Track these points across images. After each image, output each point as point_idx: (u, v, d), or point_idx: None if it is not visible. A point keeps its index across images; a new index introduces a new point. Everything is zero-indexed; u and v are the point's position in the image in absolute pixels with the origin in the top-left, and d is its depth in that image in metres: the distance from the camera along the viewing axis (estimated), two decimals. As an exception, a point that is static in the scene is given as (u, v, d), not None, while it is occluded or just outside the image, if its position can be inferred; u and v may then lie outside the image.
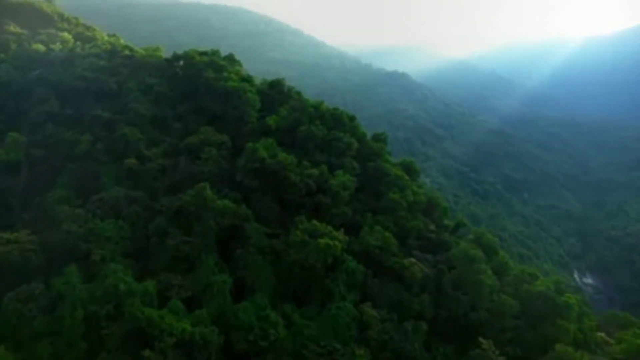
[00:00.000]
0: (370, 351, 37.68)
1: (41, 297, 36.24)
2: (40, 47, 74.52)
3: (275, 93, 69.71)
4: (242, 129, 60.33)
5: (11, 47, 73.70)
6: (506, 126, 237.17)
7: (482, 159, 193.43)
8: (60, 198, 46.39)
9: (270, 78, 76.13)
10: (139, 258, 42.85)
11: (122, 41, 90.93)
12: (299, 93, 71.19)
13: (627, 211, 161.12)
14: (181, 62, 73.08)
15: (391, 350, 38.52)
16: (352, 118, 68.28)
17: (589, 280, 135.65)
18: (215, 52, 76.03)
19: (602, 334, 47.45)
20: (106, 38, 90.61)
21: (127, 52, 77.37)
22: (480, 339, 39.42)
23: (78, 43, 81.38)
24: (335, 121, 65.27)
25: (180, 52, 74.12)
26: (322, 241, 42.42)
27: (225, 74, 68.12)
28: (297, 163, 52.82)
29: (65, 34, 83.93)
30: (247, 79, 71.11)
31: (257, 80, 75.12)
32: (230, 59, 77.46)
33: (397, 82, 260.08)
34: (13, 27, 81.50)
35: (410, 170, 63.44)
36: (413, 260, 46.34)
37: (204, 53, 74.17)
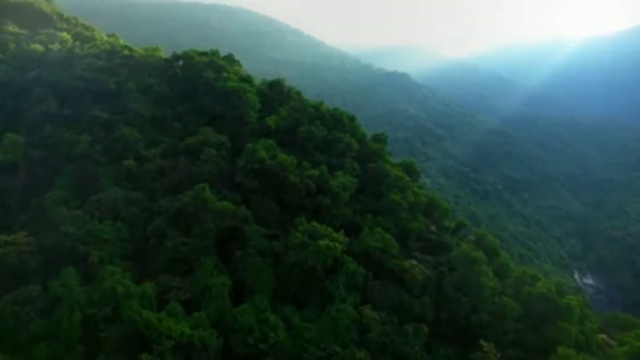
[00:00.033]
0: (370, 354, 37.36)
1: (38, 300, 36.06)
2: (39, 47, 74.05)
3: (275, 93, 69.40)
4: (242, 129, 60.01)
5: (10, 47, 73.22)
6: (506, 126, 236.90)
7: (482, 159, 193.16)
8: (58, 199, 46.04)
9: (270, 78, 75.79)
10: (137, 260, 42.56)
11: (121, 41, 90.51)
12: (299, 93, 70.85)
13: (627, 211, 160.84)
14: (181, 62, 72.76)
15: (392, 353, 38.24)
16: (352, 118, 67.97)
17: (589, 280, 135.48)
18: (214, 52, 75.73)
19: (604, 336, 47.17)
20: (105, 38, 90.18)
21: (126, 52, 76.95)
22: (482, 342, 39.18)
23: (77, 43, 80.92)
24: (336, 122, 64.98)
25: (179, 52, 73.79)
26: (322, 243, 42.10)
27: (224, 74, 67.80)
28: (297, 164, 52.53)
29: (64, 34, 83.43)
30: (247, 79, 70.76)
31: (257, 81, 74.78)
32: (230, 59, 77.16)
33: (397, 82, 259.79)
34: (12, 27, 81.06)
35: (410, 171, 63.13)
36: (414, 262, 46.02)
37: (204, 53, 73.85)
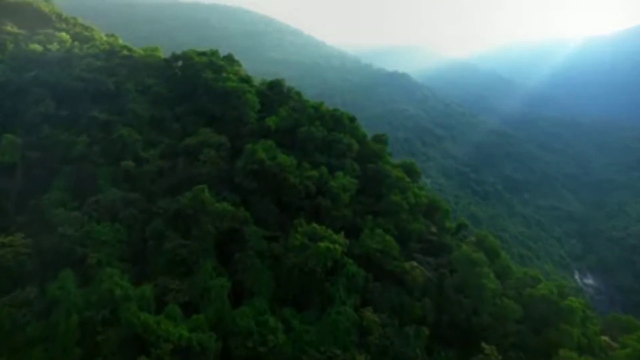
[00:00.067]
0: (370, 357, 37.06)
1: (35, 303, 35.63)
2: (38, 48, 73.70)
3: (275, 94, 69.08)
4: (241, 130, 59.67)
5: (8, 47, 72.80)
6: (506, 126, 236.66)
7: (483, 160, 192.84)
8: (56, 200, 45.65)
9: (270, 78, 75.50)
10: (135, 262, 42.19)
11: (120, 41, 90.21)
12: (298, 94, 70.54)
13: (628, 211, 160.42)
14: (180, 63, 72.47)
15: (392, 355, 37.90)
16: (352, 119, 67.63)
17: (589, 281, 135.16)
18: (214, 53, 75.45)
19: (606, 338, 46.82)
20: (104, 38, 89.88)
21: (125, 52, 76.61)
22: (483, 345, 38.83)
23: (76, 43, 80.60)
24: (336, 122, 64.65)
25: (179, 52, 73.49)
26: (322, 244, 41.78)
27: (224, 75, 67.53)
28: (296, 165, 52.21)
29: (63, 34, 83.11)
30: (246, 80, 70.47)
31: (257, 81, 74.47)
32: (230, 59, 76.87)
33: (397, 82, 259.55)
34: (10, 27, 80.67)
35: (411, 171, 62.82)
36: (414, 263, 45.69)
37: (203, 53, 73.56)
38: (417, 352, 38.64)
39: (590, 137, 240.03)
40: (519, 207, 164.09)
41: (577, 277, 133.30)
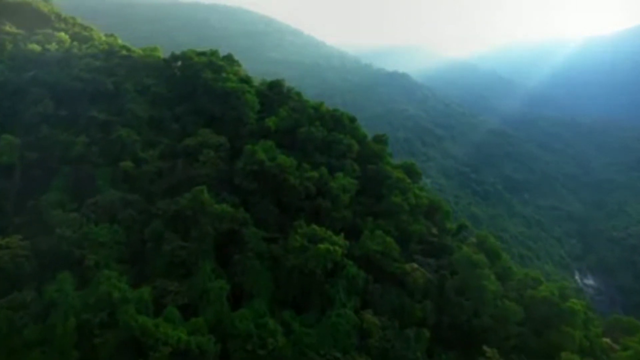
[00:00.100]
0: (371, 359, 36.73)
1: (33, 305, 35.42)
2: (36, 47, 73.36)
3: (275, 94, 68.77)
4: (241, 130, 59.36)
5: (7, 47, 72.44)
6: (507, 126, 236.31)
7: (483, 160, 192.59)
8: (54, 202, 45.35)
9: (270, 78, 75.18)
10: (134, 263, 41.92)
11: (119, 41, 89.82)
12: (298, 94, 70.20)
13: (628, 212, 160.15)
14: (179, 63, 72.07)
15: (393, 358, 37.65)
16: (352, 119, 67.31)
17: (590, 281, 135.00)
18: (213, 53, 75.07)
19: (607, 340, 46.60)
20: (103, 38, 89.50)
21: (124, 52, 76.18)
22: (485, 347, 38.57)
23: (75, 43, 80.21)
24: (336, 122, 64.32)
25: (179, 52, 73.12)
26: (322, 246, 41.50)
27: (223, 75, 67.15)
28: (296, 165, 51.86)
29: (62, 34, 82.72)
30: (246, 80, 70.13)
31: (257, 81, 74.15)
32: (229, 59, 76.49)
33: (397, 82, 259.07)
34: (9, 27, 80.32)
35: (411, 172, 62.52)
36: (415, 265, 45.41)
37: (202, 53, 73.19)
38: (418, 354, 38.39)
39: (590, 137, 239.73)
40: (519, 207, 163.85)
41: (577, 277, 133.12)
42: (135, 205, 46.39)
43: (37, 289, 36.70)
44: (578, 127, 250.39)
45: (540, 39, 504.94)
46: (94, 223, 42.85)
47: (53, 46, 75.93)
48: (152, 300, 36.89)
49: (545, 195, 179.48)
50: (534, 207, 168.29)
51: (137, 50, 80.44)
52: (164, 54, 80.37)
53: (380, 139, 66.21)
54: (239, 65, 76.96)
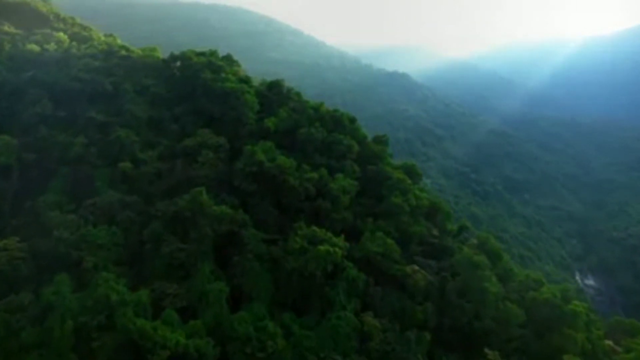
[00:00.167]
0: (371, 362, 36.49)
1: (30, 308, 35.20)
2: (35, 48, 72.95)
3: (274, 94, 68.37)
4: (240, 131, 58.99)
5: (5, 47, 72.14)
6: (507, 126, 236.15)
7: (483, 160, 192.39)
8: (52, 203, 44.97)
9: (270, 78, 74.77)
10: (132, 265, 41.61)
11: (119, 41, 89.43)
12: (298, 94, 69.81)
13: (628, 212, 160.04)
14: (178, 63, 71.66)
15: (393, 361, 37.31)
16: (352, 120, 66.94)
17: (590, 281, 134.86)
18: (213, 53, 74.66)
19: (610, 342, 46.27)
20: (103, 38, 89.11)
21: (123, 52, 75.75)
22: (486, 350, 38.26)
23: (74, 43, 79.79)
24: (336, 123, 63.96)
25: (179, 52, 72.74)
26: (321, 248, 41.22)
27: (223, 75, 66.76)
28: (296, 166, 51.50)
29: (61, 34, 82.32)
30: (246, 80, 69.74)
31: (256, 81, 73.77)
32: (229, 59, 76.09)
33: (398, 82, 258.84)
34: (7, 27, 79.95)
35: (412, 173, 62.17)
36: (415, 267, 45.11)
37: (202, 53, 72.79)
38: (419, 357, 38.20)
39: (590, 137, 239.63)
40: (519, 208, 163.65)
41: (577, 277, 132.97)
42: (134, 206, 46.05)
43: (35, 292, 36.40)
44: (578, 127, 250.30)
45: (540, 39, 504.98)
46: (92, 225, 42.50)
47: (52, 46, 75.54)
48: (150, 303, 36.58)
49: (546, 195, 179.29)
50: (534, 208, 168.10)
51: (137, 51, 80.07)
52: (163, 54, 79.98)
53: (380, 140, 65.86)
54: (239, 65, 76.58)
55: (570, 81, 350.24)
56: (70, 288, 36.42)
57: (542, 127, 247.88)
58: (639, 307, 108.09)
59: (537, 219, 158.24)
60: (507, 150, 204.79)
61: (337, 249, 41.75)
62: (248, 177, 49.53)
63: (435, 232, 53.50)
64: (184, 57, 70.69)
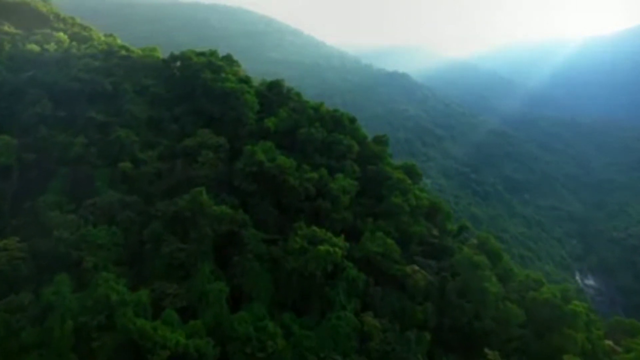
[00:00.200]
0: (371, 362, 36.47)
1: (30, 308, 35.19)
2: (35, 48, 72.98)
3: (274, 94, 68.34)
4: (240, 131, 58.97)
5: (5, 47, 72.17)
6: (507, 126, 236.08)
7: (483, 160, 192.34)
8: (51, 203, 44.96)
9: (270, 78, 74.74)
10: (132, 265, 41.60)
11: (119, 41, 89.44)
12: (298, 94, 69.80)
13: (628, 212, 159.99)
14: (178, 63, 71.65)
15: (393, 361, 37.30)
16: (352, 120, 66.93)
17: (590, 281, 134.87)
18: (213, 53, 74.66)
19: (610, 342, 46.25)
20: (103, 38, 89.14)
21: (123, 52, 75.76)
22: (486, 350, 38.26)
23: (73, 43, 79.82)
24: (336, 123, 63.95)
25: (179, 52, 72.73)
26: (321, 248, 41.20)
27: (223, 75, 66.73)
28: (296, 166, 51.49)
29: (61, 34, 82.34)
30: (246, 80, 69.71)
31: (256, 81, 73.75)
32: (229, 59, 76.07)
33: (398, 82, 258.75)
34: (7, 27, 79.98)
35: (412, 173, 62.16)
36: (416, 267, 45.09)
37: (202, 53, 72.79)
38: (419, 357, 38.22)
39: (590, 137, 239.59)
40: (519, 208, 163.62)
41: (578, 277, 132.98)
42: (134, 206, 46.04)
43: (35, 292, 36.38)
44: (578, 127, 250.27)
45: (540, 39, 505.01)
46: (92, 225, 42.50)
47: (52, 46, 75.56)
48: (150, 303, 36.57)
49: (546, 195, 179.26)
50: (534, 208, 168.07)
51: (136, 51, 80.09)
52: (163, 54, 79.99)
53: (380, 140, 65.83)
54: (239, 65, 76.56)
55: (570, 81, 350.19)
56: (70, 288, 36.42)
57: (542, 127, 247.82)
58: (639, 308, 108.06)
59: (537, 219, 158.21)
60: (507, 150, 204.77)
61: (337, 249, 41.75)
62: (248, 177, 49.52)
63: (435, 232, 53.49)
64: (183, 57, 70.68)
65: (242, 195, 48.97)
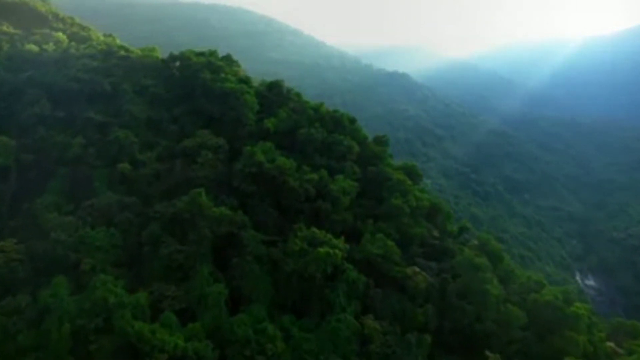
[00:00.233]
0: (372, 365, 36.19)
1: (27, 310, 34.92)
2: (34, 48, 72.62)
3: (274, 95, 68.02)
4: (240, 131, 58.65)
5: (4, 47, 71.87)
6: (507, 126, 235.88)
7: (483, 160, 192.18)
8: (50, 204, 44.65)
9: (269, 78, 74.47)
10: (130, 267, 41.29)
11: (118, 41, 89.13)
12: (298, 94, 69.49)
13: (628, 212, 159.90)
14: (178, 63, 71.35)
15: (394, 364, 37.01)
16: (352, 120, 66.65)
17: (590, 282, 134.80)
18: (212, 53, 74.34)
19: (611, 344, 46.02)
20: (102, 38, 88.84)
21: (122, 52, 75.48)
22: (487, 352, 37.99)
23: (72, 43, 79.50)
24: (336, 124, 63.66)
25: (179, 52, 72.42)
26: (321, 250, 40.89)
27: (222, 75, 66.42)
28: (296, 167, 51.19)
29: (60, 34, 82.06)
30: (245, 80, 69.40)
31: (256, 81, 73.44)
32: (228, 59, 75.77)
33: (398, 82, 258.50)
34: (6, 27, 79.70)
35: (412, 174, 61.89)
36: (416, 269, 44.79)
37: (201, 54, 72.46)
38: (419, 360, 37.83)
39: (590, 137, 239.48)
40: (519, 208, 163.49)
41: (578, 278, 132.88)
42: (133, 207, 45.72)
43: (32, 294, 36.11)
44: (578, 127, 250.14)
45: (540, 39, 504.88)
46: (90, 226, 42.18)
47: (50, 46, 75.20)
48: (148, 305, 36.26)
49: (546, 195, 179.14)
50: (534, 208, 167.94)
51: (136, 51, 79.78)
52: (163, 54, 79.68)
53: (380, 140, 65.55)
54: (238, 65, 76.25)
55: (570, 81, 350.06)
56: (68, 290, 36.14)
57: (542, 127, 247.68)
58: (639, 308, 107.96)
59: (537, 219, 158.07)
60: (507, 150, 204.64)
61: (337, 251, 41.42)
62: (247, 178, 49.21)
63: (435, 233, 53.24)
64: (183, 57, 70.36)
65: (242, 197, 48.67)
